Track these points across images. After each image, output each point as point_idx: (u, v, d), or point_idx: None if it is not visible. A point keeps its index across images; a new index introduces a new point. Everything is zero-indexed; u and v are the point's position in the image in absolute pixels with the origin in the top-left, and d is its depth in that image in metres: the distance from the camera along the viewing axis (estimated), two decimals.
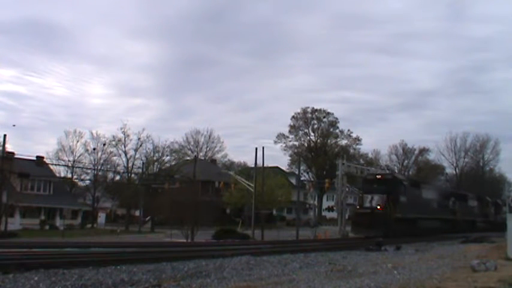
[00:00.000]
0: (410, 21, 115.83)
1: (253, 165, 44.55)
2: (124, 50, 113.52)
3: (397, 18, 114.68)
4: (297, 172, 58.92)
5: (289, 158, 78.50)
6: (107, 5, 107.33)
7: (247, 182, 46.30)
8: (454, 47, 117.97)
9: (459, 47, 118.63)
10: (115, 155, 63.05)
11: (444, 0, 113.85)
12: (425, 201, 36.50)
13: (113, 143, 61.52)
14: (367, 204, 31.16)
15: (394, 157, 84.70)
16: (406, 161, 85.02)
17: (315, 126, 75.65)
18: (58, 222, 51.32)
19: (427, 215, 36.03)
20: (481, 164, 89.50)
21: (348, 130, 75.79)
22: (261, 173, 41.87)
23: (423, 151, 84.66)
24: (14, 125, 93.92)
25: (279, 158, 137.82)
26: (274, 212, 62.91)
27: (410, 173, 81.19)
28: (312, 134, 76.12)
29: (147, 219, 56.71)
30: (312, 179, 72.71)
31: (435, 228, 37.04)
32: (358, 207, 33.30)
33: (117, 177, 67.86)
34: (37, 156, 55.84)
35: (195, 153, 68.66)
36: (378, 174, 35.62)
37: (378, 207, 30.58)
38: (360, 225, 30.78)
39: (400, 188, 32.78)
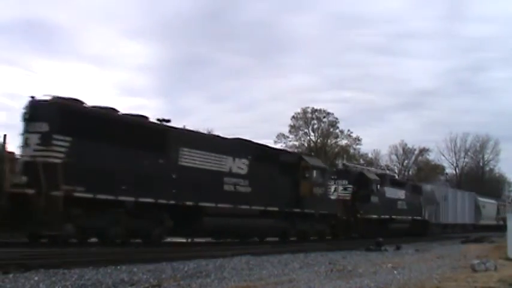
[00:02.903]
0: (409, 20, 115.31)
1: None
2: (122, 50, 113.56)
3: (396, 17, 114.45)
4: None
5: None
6: (105, 4, 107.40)
7: None
8: (453, 47, 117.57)
9: (458, 47, 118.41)
10: None
11: (443, 0, 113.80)
12: None
13: None
14: None
15: (394, 157, 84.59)
16: (406, 161, 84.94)
17: (315, 126, 75.49)
18: None
19: None
20: (481, 164, 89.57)
21: (348, 130, 75.56)
22: None
23: (423, 151, 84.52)
24: None
25: None
26: None
27: (410, 173, 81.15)
28: (312, 134, 75.97)
29: None
30: None
31: None
32: None
33: None
34: None
35: None
36: None
37: None
38: None
39: None
